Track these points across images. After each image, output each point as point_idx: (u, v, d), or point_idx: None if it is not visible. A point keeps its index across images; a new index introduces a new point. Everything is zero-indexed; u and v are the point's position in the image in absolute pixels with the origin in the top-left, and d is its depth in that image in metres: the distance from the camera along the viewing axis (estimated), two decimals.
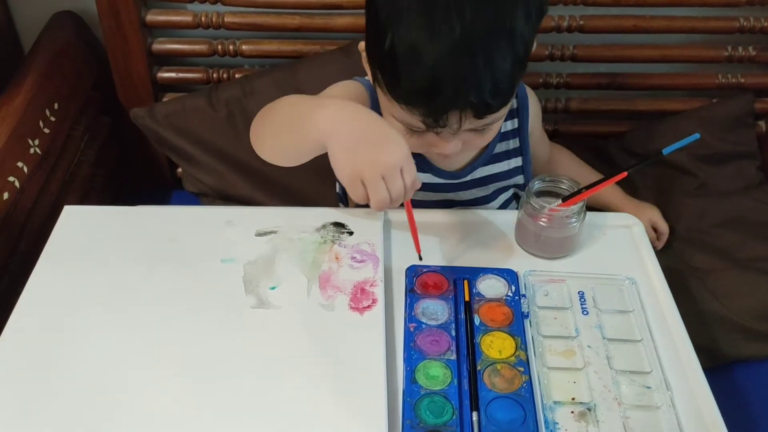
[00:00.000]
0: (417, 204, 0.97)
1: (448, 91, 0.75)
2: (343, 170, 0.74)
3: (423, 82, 0.75)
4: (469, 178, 0.98)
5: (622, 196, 1.12)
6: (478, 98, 0.75)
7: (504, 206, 1.04)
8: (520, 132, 0.99)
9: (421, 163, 0.95)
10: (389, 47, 0.75)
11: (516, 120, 0.99)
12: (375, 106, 0.91)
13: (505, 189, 1.03)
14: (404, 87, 0.77)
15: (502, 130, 0.98)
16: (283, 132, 0.84)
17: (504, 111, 0.82)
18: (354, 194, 0.74)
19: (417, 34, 0.73)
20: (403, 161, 0.73)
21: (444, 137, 0.82)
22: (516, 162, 1.01)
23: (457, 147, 0.84)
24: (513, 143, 1.00)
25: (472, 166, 0.97)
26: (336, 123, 0.75)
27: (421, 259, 0.83)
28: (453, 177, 0.97)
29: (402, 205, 0.79)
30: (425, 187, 0.97)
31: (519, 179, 1.02)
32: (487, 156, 0.98)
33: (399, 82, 0.77)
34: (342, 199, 1.03)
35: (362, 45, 0.84)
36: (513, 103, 0.98)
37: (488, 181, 0.99)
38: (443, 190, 0.98)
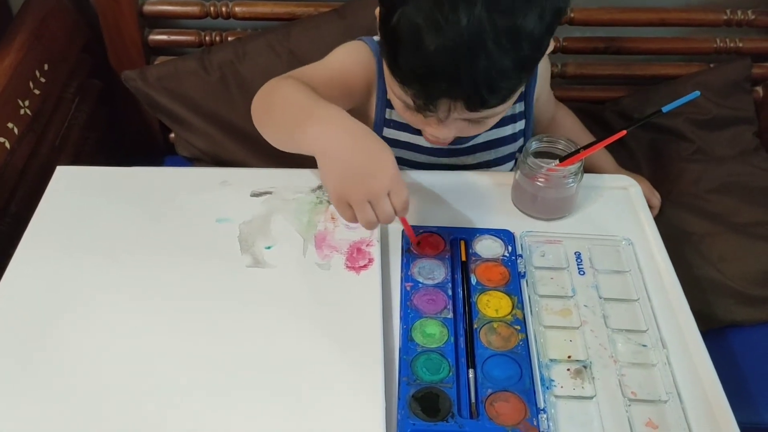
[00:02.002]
0: (421, 167, 0.98)
1: (441, 80, 0.74)
2: (330, 192, 0.74)
3: (419, 65, 0.74)
4: (472, 142, 0.97)
5: (614, 167, 1.12)
6: (471, 93, 0.75)
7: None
8: (527, 95, 0.98)
9: None
10: (395, 24, 0.74)
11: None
12: (381, 69, 0.91)
13: (512, 156, 1.02)
14: (401, 65, 0.77)
15: None
16: (280, 130, 0.83)
17: (504, 107, 0.81)
18: (342, 215, 0.74)
19: (423, 18, 0.72)
20: (390, 186, 0.71)
21: (433, 122, 0.81)
22: (520, 125, 1.00)
23: (448, 134, 0.83)
24: (519, 107, 0.99)
25: None
26: (325, 143, 0.74)
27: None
28: (457, 142, 0.96)
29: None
30: (429, 152, 0.97)
31: (521, 143, 1.01)
32: None
33: (397, 59, 0.76)
34: None
35: (378, 10, 0.83)
36: None
37: (493, 146, 0.99)
38: (448, 155, 0.98)
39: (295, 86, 0.82)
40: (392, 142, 0.95)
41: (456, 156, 0.98)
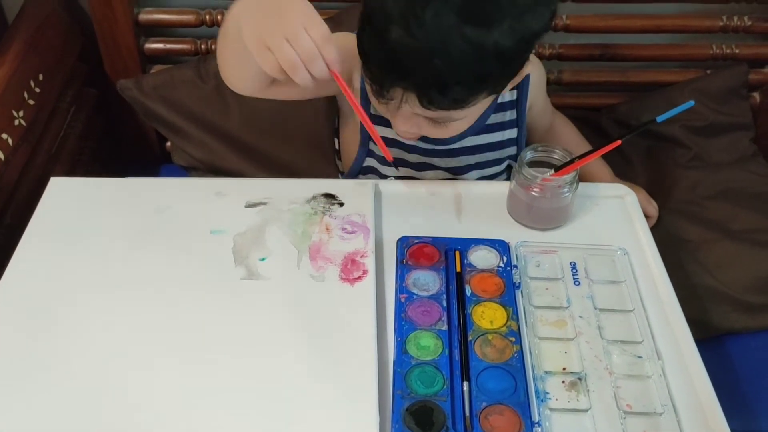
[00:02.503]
0: (403, 164, 0.98)
1: (396, 70, 0.76)
2: (249, 41, 0.71)
3: (378, 51, 0.76)
4: (457, 145, 0.97)
5: (611, 177, 1.11)
6: (422, 90, 0.76)
7: (493, 178, 1.03)
8: (519, 104, 0.98)
9: None
10: (371, 4, 0.76)
11: (516, 92, 0.98)
12: None
13: (498, 162, 1.02)
14: (364, 46, 0.78)
15: (499, 101, 0.97)
16: (223, 46, 0.82)
17: (465, 113, 0.82)
18: (263, 64, 0.70)
19: (397, 10, 0.73)
20: (304, 19, 0.68)
21: (395, 112, 0.82)
22: (511, 134, 1.00)
23: (408, 129, 0.84)
24: (510, 114, 0.99)
25: (463, 134, 0.96)
26: (243, 1, 0.73)
27: (393, 166, 0.82)
28: (442, 143, 0.97)
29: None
30: (412, 149, 0.97)
31: (512, 150, 1.01)
32: (479, 126, 0.97)
33: (362, 38, 0.79)
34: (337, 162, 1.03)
35: None
36: None
37: (479, 150, 0.99)
38: (430, 155, 0.98)
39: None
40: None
41: (437, 157, 0.98)
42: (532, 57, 0.96)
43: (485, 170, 1.01)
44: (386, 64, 0.76)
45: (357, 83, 0.94)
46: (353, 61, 0.91)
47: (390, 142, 0.96)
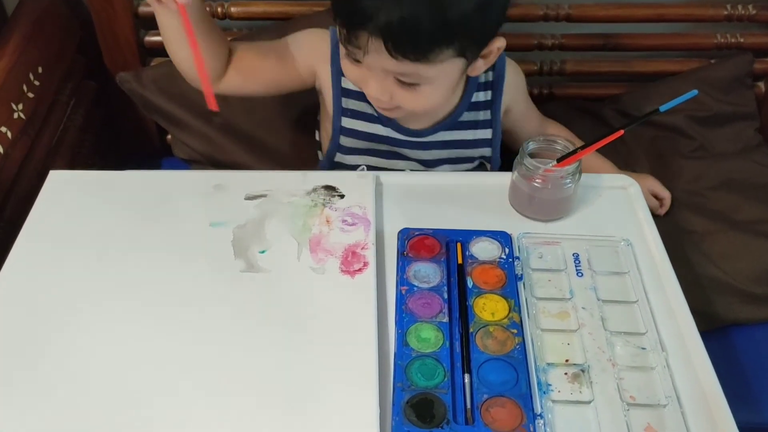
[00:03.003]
0: (378, 154, 1.00)
1: (363, 12, 0.77)
2: None
3: None
4: (428, 138, 0.99)
5: (615, 170, 1.10)
6: (385, 32, 0.77)
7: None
8: (493, 104, 0.99)
9: (383, 117, 0.97)
10: None
11: (490, 92, 0.99)
12: (335, 54, 0.94)
13: (470, 159, 1.03)
14: None
15: (473, 100, 0.99)
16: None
17: (431, 72, 0.82)
18: None
19: None
20: None
21: (364, 74, 0.84)
22: (484, 134, 1.01)
23: (380, 94, 0.85)
24: (483, 114, 1.00)
25: (434, 128, 0.98)
26: None
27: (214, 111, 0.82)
28: (413, 135, 0.98)
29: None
30: (384, 139, 0.99)
31: (486, 151, 1.02)
32: (453, 121, 0.99)
33: None
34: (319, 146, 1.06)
35: None
36: (489, 75, 0.98)
37: (450, 146, 1.00)
38: (401, 146, 0.99)
39: None
40: (349, 132, 0.99)
41: (412, 148, 0.99)
42: (510, 60, 1.00)
43: (457, 165, 1.02)
44: (352, 5, 0.78)
45: (327, 78, 0.97)
46: (318, 55, 0.96)
47: (361, 135, 0.99)
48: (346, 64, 0.88)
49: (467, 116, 0.99)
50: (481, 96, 0.99)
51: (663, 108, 0.79)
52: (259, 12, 1.20)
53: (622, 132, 0.79)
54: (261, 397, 0.66)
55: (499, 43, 0.87)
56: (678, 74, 1.26)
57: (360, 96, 0.97)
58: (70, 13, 1.19)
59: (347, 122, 0.98)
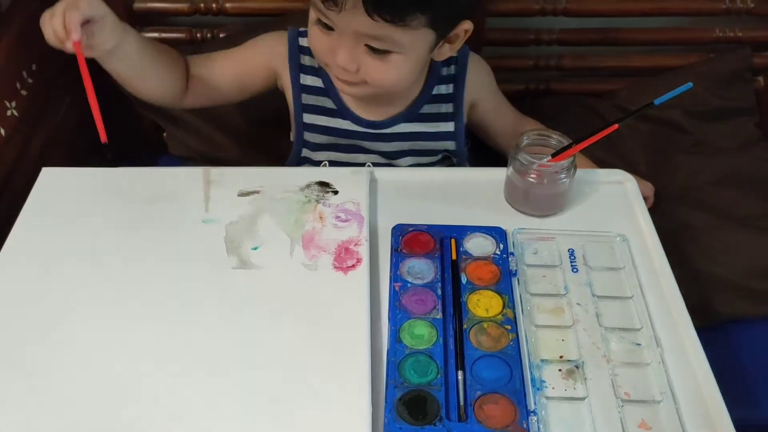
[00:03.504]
0: (340, 149, 1.01)
1: None
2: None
3: None
4: (389, 130, 0.99)
5: (590, 164, 1.10)
6: None
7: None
8: (455, 97, 1.00)
9: (342, 109, 0.99)
10: None
11: (452, 86, 1.00)
12: (293, 53, 0.98)
13: (434, 153, 1.03)
14: None
15: (434, 92, 0.99)
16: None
17: (404, 39, 0.82)
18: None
19: None
20: (66, 6, 0.79)
21: (341, 37, 0.83)
22: (446, 126, 1.01)
23: (350, 60, 0.84)
24: (446, 107, 1.00)
25: (394, 119, 0.99)
26: None
27: (109, 154, 0.83)
28: (371, 126, 0.99)
29: None
30: (343, 133, 1.00)
31: (450, 145, 1.02)
32: (413, 113, 0.99)
33: None
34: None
35: None
36: (451, 68, 0.99)
37: (410, 138, 1.00)
38: (361, 138, 1.00)
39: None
40: (311, 127, 1.00)
41: (372, 140, 1.00)
42: (474, 55, 1.01)
43: (420, 158, 1.03)
44: None
45: (286, 77, 0.99)
46: (276, 56, 0.98)
47: (322, 130, 1.00)
48: (314, 34, 0.87)
49: (428, 108, 1.00)
50: (443, 89, 1.00)
51: (658, 101, 0.79)
52: (256, 8, 1.20)
53: (616, 126, 0.79)
54: (252, 392, 0.66)
55: (466, 26, 0.88)
56: (676, 69, 1.25)
57: (319, 91, 0.98)
58: None
59: (308, 118, 1.00)
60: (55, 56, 1.12)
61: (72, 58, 1.18)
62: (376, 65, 0.85)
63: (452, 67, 1.00)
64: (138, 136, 1.31)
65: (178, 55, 0.96)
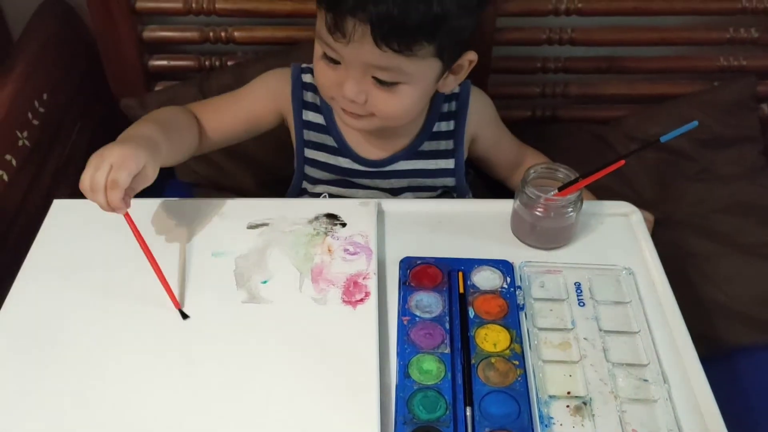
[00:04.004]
0: (339, 184, 1.01)
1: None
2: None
3: None
4: (388, 168, 1.00)
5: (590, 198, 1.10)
6: (374, 18, 0.77)
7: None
8: (456, 134, 0.99)
9: (342, 148, 0.99)
10: None
11: (453, 122, 0.99)
12: (296, 89, 0.98)
13: (432, 189, 1.03)
14: None
15: (434, 130, 0.99)
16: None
17: (411, 68, 0.82)
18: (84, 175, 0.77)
19: None
20: (115, 161, 0.75)
21: (348, 69, 0.83)
22: (446, 164, 1.01)
23: (358, 91, 0.84)
24: (445, 144, 1.00)
25: (393, 157, 0.99)
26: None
27: (184, 315, 0.77)
28: (372, 165, 0.99)
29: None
30: (343, 172, 1.00)
31: (449, 181, 1.02)
32: (411, 151, 0.99)
33: None
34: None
35: None
36: (452, 105, 0.99)
37: (410, 175, 1.00)
38: (361, 177, 1.00)
39: (153, 116, 0.91)
40: (312, 162, 1.00)
41: (371, 178, 1.00)
42: (475, 89, 1.01)
43: (419, 194, 1.03)
44: None
45: (289, 113, 0.99)
46: (278, 95, 0.98)
47: (322, 166, 1.00)
48: (320, 68, 0.87)
49: (428, 146, 0.99)
50: (443, 126, 0.99)
51: (664, 139, 0.79)
52: (265, 37, 1.21)
53: (623, 162, 0.79)
54: (261, 427, 0.66)
55: (470, 56, 0.88)
56: (681, 97, 1.26)
57: (321, 128, 0.99)
58: (76, 38, 1.20)
59: (310, 153, 1.00)
60: (66, 85, 1.14)
61: (80, 88, 1.20)
62: (383, 96, 0.85)
63: (453, 103, 0.99)
64: None
65: (186, 114, 0.95)
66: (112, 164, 0.75)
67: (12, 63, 1.04)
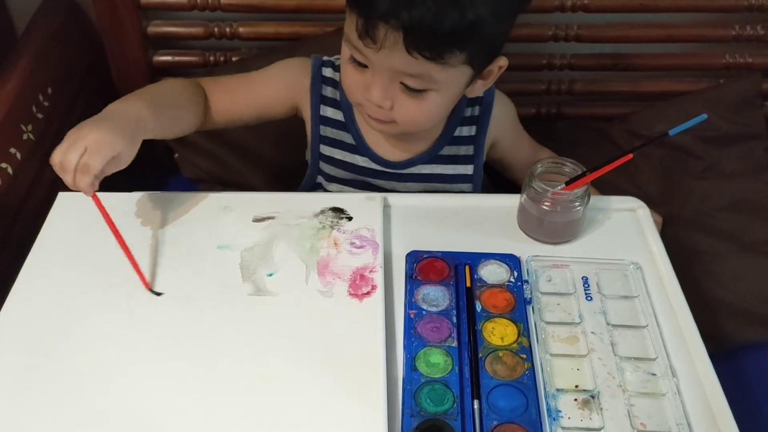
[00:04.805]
0: (354, 184, 0.99)
1: (382, 4, 0.75)
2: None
3: None
4: (406, 171, 0.98)
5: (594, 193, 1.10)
6: (407, 25, 0.75)
7: None
8: (477, 140, 0.98)
9: (360, 146, 0.97)
10: None
11: (474, 128, 0.98)
12: (315, 83, 0.96)
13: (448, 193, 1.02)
14: None
15: (455, 134, 0.97)
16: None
17: (443, 77, 0.81)
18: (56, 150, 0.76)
19: None
20: (90, 145, 0.74)
21: (376, 74, 0.82)
22: (465, 169, 0.99)
23: (383, 96, 0.82)
24: (465, 150, 0.98)
25: (412, 160, 0.97)
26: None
27: (156, 293, 0.78)
28: (390, 166, 0.97)
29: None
30: (359, 170, 0.98)
31: (466, 187, 1.00)
32: (432, 155, 0.97)
33: None
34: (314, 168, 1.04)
35: None
36: (475, 109, 0.97)
37: (427, 180, 0.99)
38: (377, 177, 0.98)
39: (150, 90, 0.90)
40: (327, 159, 0.98)
41: (387, 179, 0.98)
42: (499, 93, 0.99)
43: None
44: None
45: (307, 107, 0.97)
46: (297, 87, 0.96)
47: (338, 164, 0.98)
48: (348, 72, 0.86)
49: (448, 150, 0.98)
50: (464, 131, 0.98)
51: (672, 132, 0.79)
52: (269, 32, 1.21)
53: (630, 156, 0.79)
54: (267, 420, 0.66)
55: (501, 62, 0.87)
56: (687, 94, 1.26)
57: (339, 125, 0.97)
58: (80, 33, 1.20)
59: (325, 149, 0.98)
60: (70, 79, 1.14)
61: (85, 82, 1.19)
62: (410, 103, 0.84)
63: (477, 108, 0.97)
64: (150, 157, 1.30)
65: (192, 90, 0.93)
66: (86, 147, 0.74)
67: (16, 58, 1.04)
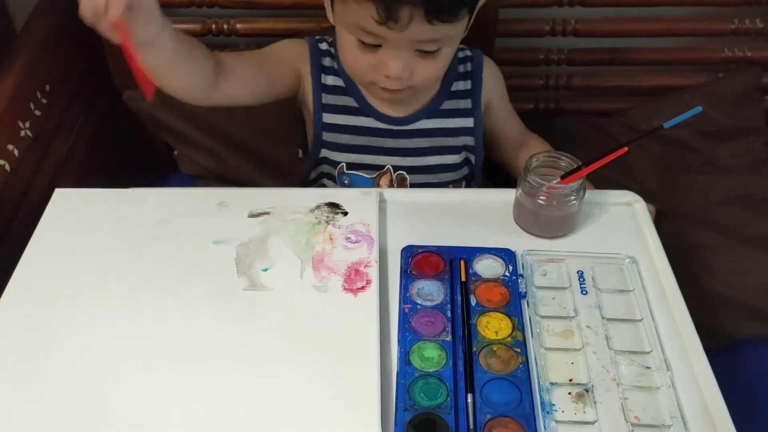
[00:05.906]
0: (360, 150, 1.01)
1: None
2: None
3: None
4: (411, 127, 1.01)
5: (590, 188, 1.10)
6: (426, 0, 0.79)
7: (452, 170, 1.05)
8: (473, 94, 1.03)
9: (364, 107, 1.00)
10: None
11: (469, 82, 1.03)
12: (315, 55, 0.99)
13: (456, 150, 1.04)
14: None
15: (453, 89, 1.02)
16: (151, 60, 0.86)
17: (454, 32, 0.86)
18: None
19: None
20: None
21: (392, 50, 0.86)
22: (465, 122, 1.03)
23: (403, 68, 0.87)
24: (464, 103, 1.03)
25: (416, 116, 1.01)
26: None
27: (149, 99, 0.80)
28: (395, 123, 1.01)
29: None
30: (365, 131, 1.00)
31: (469, 140, 1.04)
32: (433, 109, 1.01)
33: None
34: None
35: None
36: (468, 65, 1.02)
37: (432, 134, 1.02)
38: (383, 136, 1.01)
39: None
40: (331, 127, 1.00)
41: (394, 137, 1.01)
42: (488, 58, 1.05)
43: (444, 156, 1.03)
44: None
45: (307, 77, 1.00)
46: (299, 56, 1.00)
47: (342, 129, 1.01)
48: (356, 56, 0.89)
49: (448, 104, 1.02)
50: (461, 85, 1.02)
51: (668, 124, 0.79)
52: (267, 28, 1.21)
53: (626, 149, 0.79)
54: (261, 414, 0.66)
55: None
56: (686, 88, 1.26)
57: (341, 91, 1.00)
58: (78, 30, 1.19)
59: (328, 117, 1.00)
60: (68, 76, 1.15)
61: (83, 80, 1.20)
62: (427, 65, 0.89)
63: (468, 64, 1.03)
64: (150, 154, 1.32)
65: (206, 50, 0.91)
66: None
67: (14, 54, 1.04)
